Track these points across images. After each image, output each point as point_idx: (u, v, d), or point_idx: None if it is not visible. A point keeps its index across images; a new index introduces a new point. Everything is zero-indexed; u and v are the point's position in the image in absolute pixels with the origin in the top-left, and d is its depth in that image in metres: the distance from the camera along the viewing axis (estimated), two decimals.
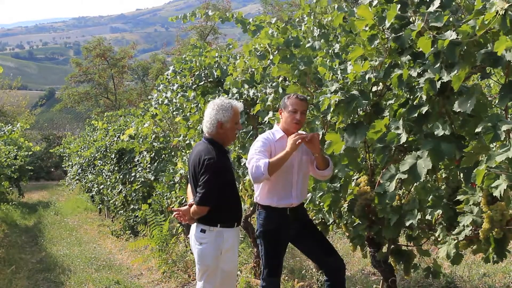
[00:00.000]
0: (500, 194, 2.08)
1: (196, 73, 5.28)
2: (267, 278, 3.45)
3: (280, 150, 3.28)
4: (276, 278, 3.49)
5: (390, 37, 2.63)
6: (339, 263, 3.44)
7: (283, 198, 3.38)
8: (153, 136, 7.30)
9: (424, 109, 2.53)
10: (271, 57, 3.69)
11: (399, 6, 2.56)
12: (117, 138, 9.20)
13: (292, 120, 3.30)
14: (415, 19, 2.51)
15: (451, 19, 2.34)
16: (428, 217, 2.71)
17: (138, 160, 8.14)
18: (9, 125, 7.51)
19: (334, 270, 3.43)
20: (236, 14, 4.45)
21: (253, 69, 4.23)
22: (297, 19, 4.15)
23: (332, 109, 3.02)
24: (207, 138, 3.35)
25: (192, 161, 3.35)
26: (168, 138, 7.00)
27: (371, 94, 2.97)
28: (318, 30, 3.67)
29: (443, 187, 2.70)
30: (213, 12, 4.68)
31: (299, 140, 3.16)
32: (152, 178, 7.54)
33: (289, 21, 4.24)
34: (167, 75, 6.09)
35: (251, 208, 5.02)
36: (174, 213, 3.46)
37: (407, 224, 2.78)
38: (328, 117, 3.19)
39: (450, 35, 2.23)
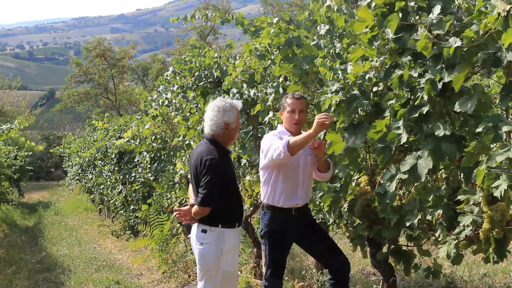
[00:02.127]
0: (501, 194, 2.08)
1: (196, 73, 5.29)
2: (270, 279, 3.45)
3: None
4: (280, 278, 3.49)
5: (391, 38, 2.63)
6: (344, 260, 3.44)
7: (289, 198, 3.39)
8: (153, 137, 7.30)
9: (425, 109, 2.54)
10: (272, 56, 3.69)
11: (400, 14, 2.56)
12: (117, 138, 9.20)
13: (291, 120, 3.32)
14: (416, 22, 2.51)
15: (451, 20, 2.34)
16: (428, 217, 2.71)
17: (138, 161, 8.14)
18: (7, 123, 7.50)
19: (339, 268, 3.43)
20: (236, 15, 4.46)
21: (252, 70, 4.23)
22: (301, 20, 4.14)
23: (333, 109, 3.03)
24: (209, 139, 3.35)
25: (194, 161, 3.35)
26: (166, 139, 7.01)
27: (371, 94, 2.97)
28: (326, 26, 3.65)
29: (443, 187, 2.70)
30: (213, 13, 4.69)
31: (327, 121, 2.92)
32: (152, 178, 7.55)
33: (291, 21, 4.24)
34: (167, 76, 6.10)
35: (251, 208, 5.02)
36: (175, 213, 3.46)
37: (408, 224, 2.78)
38: None
39: (455, 41, 2.23)
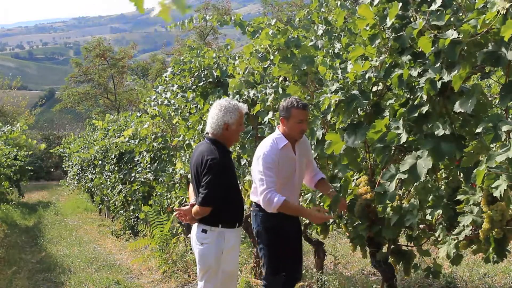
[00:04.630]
0: (500, 194, 2.08)
1: (196, 73, 5.28)
2: (270, 276, 3.44)
3: (284, 159, 3.30)
4: (279, 275, 3.49)
5: (391, 37, 2.63)
6: (301, 275, 3.66)
7: None
8: (153, 136, 7.30)
9: (425, 109, 2.53)
10: (271, 57, 3.69)
11: (400, 4, 2.56)
12: (115, 141, 9.19)
13: (298, 129, 3.31)
14: (416, 18, 2.51)
15: (452, 18, 2.34)
16: (428, 217, 2.71)
17: (138, 160, 8.14)
18: (8, 125, 7.51)
19: (298, 279, 3.59)
20: (234, 17, 4.44)
21: (254, 71, 4.22)
22: (298, 19, 4.14)
23: (332, 109, 3.03)
24: (210, 139, 3.35)
25: (195, 161, 3.35)
26: (166, 139, 7.01)
27: (371, 94, 2.97)
28: (324, 26, 3.65)
29: (443, 187, 2.70)
30: (211, 16, 4.67)
31: (326, 220, 3.22)
32: (152, 178, 7.54)
33: (288, 21, 4.23)
34: (166, 77, 6.09)
35: (251, 208, 5.02)
36: (175, 212, 3.46)
37: (407, 224, 2.78)
38: (328, 117, 3.20)
39: (451, 34, 2.23)
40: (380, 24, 2.68)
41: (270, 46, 3.72)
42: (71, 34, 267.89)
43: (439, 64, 2.36)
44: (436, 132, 2.42)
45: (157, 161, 7.50)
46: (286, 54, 3.55)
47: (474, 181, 2.20)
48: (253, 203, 3.54)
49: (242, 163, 4.68)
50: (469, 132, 2.50)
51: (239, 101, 4.03)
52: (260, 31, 4.00)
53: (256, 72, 4.17)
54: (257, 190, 3.37)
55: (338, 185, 3.39)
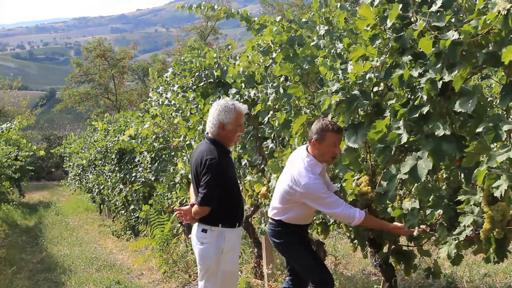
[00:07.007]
0: (501, 194, 2.08)
1: (196, 73, 5.28)
2: (324, 270, 3.42)
3: None
4: (327, 269, 3.50)
5: (392, 37, 2.63)
6: None
7: (306, 220, 3.50)
8: (153, 136, 7.30)
9: (425, 109, 2.53)
10: (273, 55, 3.68)
11: (400, 5, 2.56)
12: (117, 138, 9.19)
13: (331, 154, 3.18)
14: (417, 19, 2.52)
15: (452, 19, 2.34)
16: (428, 217, 2.71)
17: (138, 160, 8.14)
18: (7, 123, 7.50)
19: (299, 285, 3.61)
20: (241, 11, 4.42)
21: (256, 64, 4.20)
22: (303, 20, 4.13)
23: (333, 109, 3.03)
24: (209, 138, 3.35)
25: (194, 161, 3.35)
26: (168, 139, 7.01)
27: (372, 94, 2.97)
28: (325, 27, 3.64)
29: (444, 187, 2.70)
30: (219, 7, 4.63)
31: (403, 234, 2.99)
32: (153, 178, 7.55)
33: (293, 20, 4.21)
34: (166, 77, 6.09)
35: (252, 209, 5.02)
36: (176, 212, 3.47)
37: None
38: (329, 117, 3.20)
39: (452, 35, 2.23)
40: (380, 24, 2.68)
41: (273, 42, 3.71)
42: (72, 34, 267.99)
43: (440, 64, 2.36)
44: (436, 132, 2.42)
45: (158, 161, 7.50)
46: (289, 53, 3.54)
47: (475, 181, 2.20)
48: (272, 221, 3.49)
49: (243, 163, 4.68)
50: (470, 132, 2.50)
51: (240, 101, 4.03)
52: (265, 29, 3.99)
53: (257, 71, 4.16)
54: (284, 210, 3.36)
55: (339, 185, 3.40)
